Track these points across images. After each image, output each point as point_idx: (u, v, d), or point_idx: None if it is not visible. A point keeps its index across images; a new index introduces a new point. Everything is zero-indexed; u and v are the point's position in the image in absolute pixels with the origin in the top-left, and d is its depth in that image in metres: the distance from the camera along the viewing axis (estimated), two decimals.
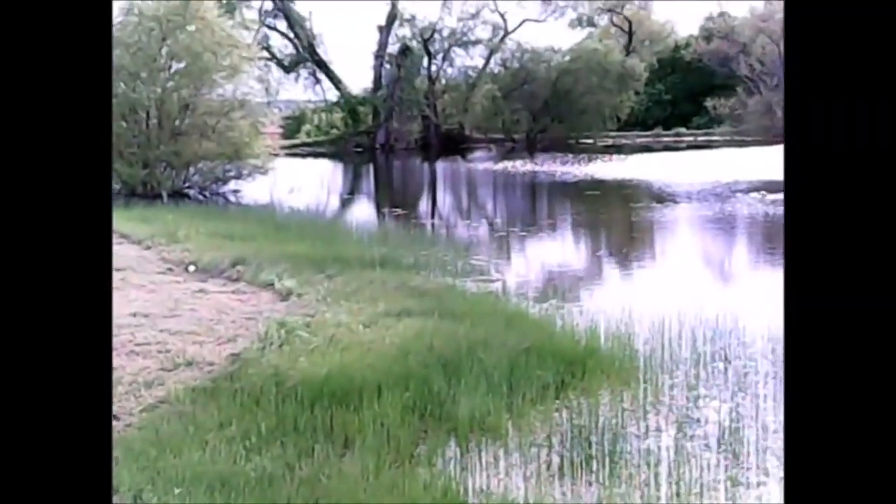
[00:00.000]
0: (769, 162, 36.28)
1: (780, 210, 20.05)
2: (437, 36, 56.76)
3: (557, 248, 16.63)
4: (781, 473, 5.36)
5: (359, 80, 66.17)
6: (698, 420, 6.29)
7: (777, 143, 49.81)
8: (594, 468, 5.51)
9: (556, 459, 5.64)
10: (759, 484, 5.27)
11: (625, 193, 26.48)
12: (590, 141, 56.11)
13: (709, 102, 64.42)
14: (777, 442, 5.83)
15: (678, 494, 5.13)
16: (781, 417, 6.26)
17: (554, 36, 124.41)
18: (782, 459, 5.54)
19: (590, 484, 5.31)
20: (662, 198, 24.31)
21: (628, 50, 65.64)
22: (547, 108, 57.35)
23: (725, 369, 7.44)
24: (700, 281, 12.68)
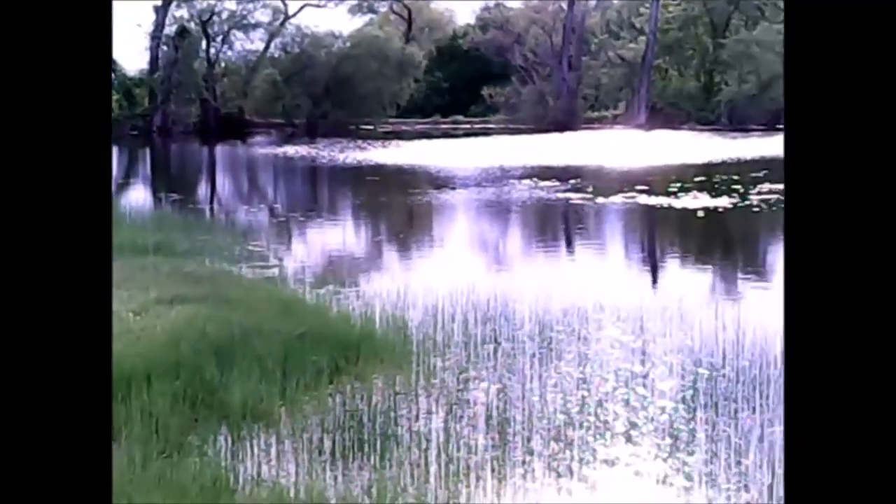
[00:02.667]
0: (542, 149, 37.45)
1: (553, 195, 20.75)
2: (215, 18, 55.66)
3: (337, 234, 16.63)
4: (548, 452, 5.58)
5: (134, 61, 64.05)
6: (468, 402, 6.44)
7: (548, 130, 51.49)
8: (366, 452, 5.56)
9: (328, 444, 5.66)
10: (524, 462, 5.45)
11: (404, 179, 26.74)
12: (370, 127, 56.36)
13: (485, 91, 65.88)
14: (542, 421, 6.05)
15: (447, 475, 5.24)
16: (549, 396, 6.50)
17: (334, 21, 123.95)
18: (548, 438, 5.76)
19: (361, 468, 5.35)
20: (440, 183, 24.71)
21: (408, 37, 66.27)
22: (327, 94, 57.22)
23: (495, 351, 7.65)
24: (474, 265, 12.96)
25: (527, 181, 24.07)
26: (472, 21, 72.74)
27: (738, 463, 5.39)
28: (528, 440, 5.76)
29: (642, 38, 62.40)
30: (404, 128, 58.30)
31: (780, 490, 5.01)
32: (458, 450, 5.58)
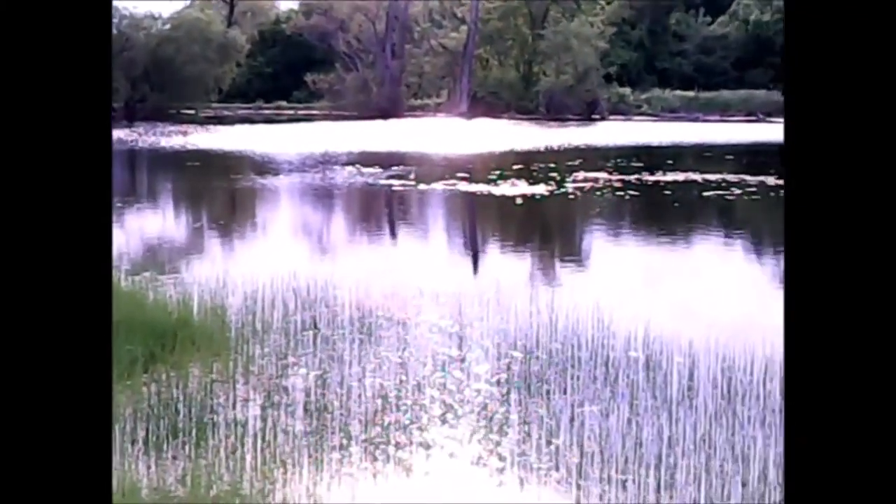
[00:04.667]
0: (365, 136, 37.47)
1: (376, 182, 20.81)
2: None
3: (157, 220, 16.24)
4: (365, 436, 5.62)
5: None
6: (286, 388, 6.42)
7: (372, 117, 51.54)
8: (181, 440, 5.48)
9: (141, 434, 5.54)
10: (341, 447, 5.47)
11: (226, 165, 26.32)
12: (191, 111, 55.18)
13: (308, 77, 65.40)
14: (361, 406, 6.09)
15: (263, 462, 5.22)
16: (367, 381, 6.54)
17: (153, 3, 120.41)
18: (365, 423, 5.81)
19: (175, 457, 5.27)
20: (263, 169, 24.43)
21: (230, 21, 65.13)
22: (147, 77, 55.68)
23: (315, 337, 7.64)
24: (296, 251, 12.89)
25: (350, 168, 24.06)
26: (296, 6, 72.10)
27: (549, 443, 5.56)
28: (346, 425, 5.79)
29: (464, 27, 63.17)
30: (226, 113, 57.34)
31: (591, 470, 5.20)
32: (276, 437, 5.56)
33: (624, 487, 5.00)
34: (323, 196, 19.58)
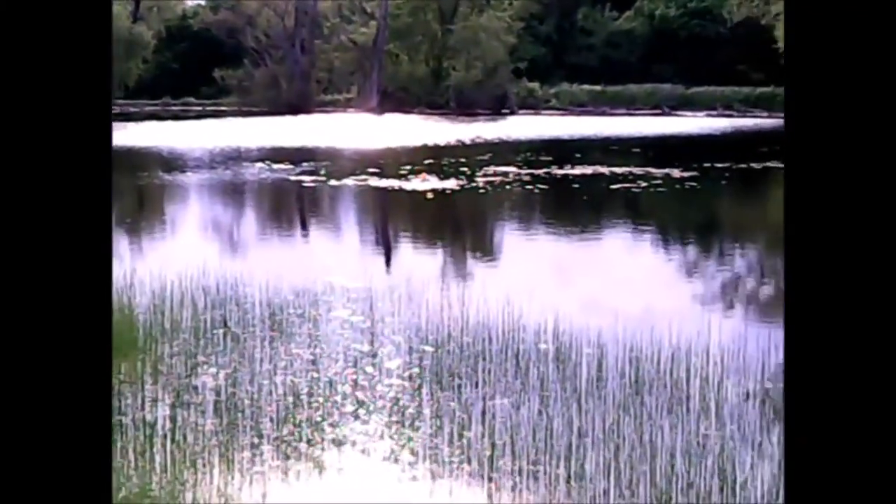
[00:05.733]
0: (275, 132, 37.18)
1: (286, 178, 20.68)
2: None
3: None
4: (276, 434, 5.59)
5: None
6: (196, 388, 6.35)
7: (282, 113, 51.16)
8: None
9: None
10: (252, 446, 5.44)
11: (133, 162, 25.86)
12: None
13: (217, 73, 64.62)
14: (272, 404, 6.05)
15: (173, 462, 5.17)
16: (279, 379, 6.51)
17: None
18: (277, 421, 5.78)
19: None
20: (172, 166, 24.10)
21: (135, 16, 64.01)
22: None
23: (225, 335, 7.58)
24: (206, 248, 12.74)
25: (260, 164, 23.85)
26: (203, 1, 71.14)
27: (461, 436, 5.60)
28: (258, 424, 5.76)
29: (373, 22, 63.03)
30: (132, 110, 56.33)
31: (502, 463, 5.25)
32: (185, 437, 5.51)
33: (535, 479, 5.06)
34: (233, 193, 19.39)
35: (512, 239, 14.14)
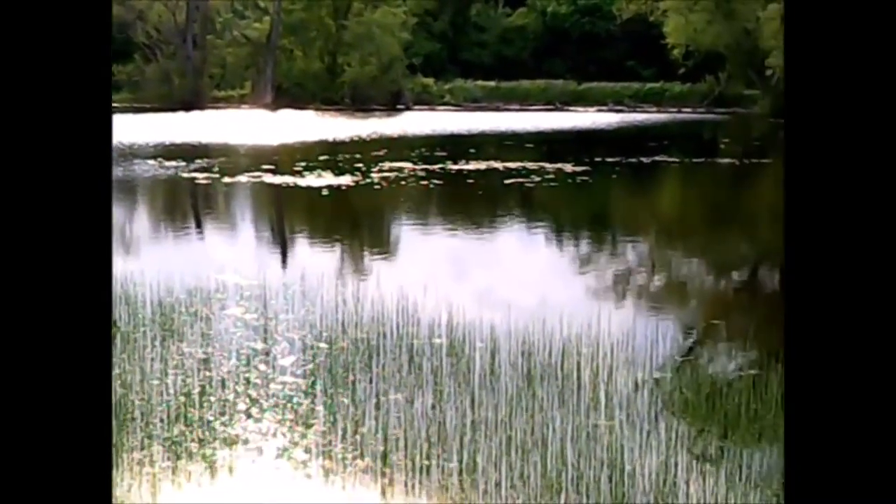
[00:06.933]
0: (167, 128, 36.58)
1: (179, 174, 20.37)
2: None
3: None
4: (167, 434, 5.53)
5: None
6: None
7: (174, 109, 50.34)
8: None
9: None
10: (142, 447, 5.36)
11: None
12: None
13: None
14: (163, 405, 5.98)
15: None
16: (170, 379, 6.43)
17: None
18: (168, 421, 5.71)
19: None
20: None
21: None
22: None
23: (114, 336, 7.44)
24: None
25: (152, 161, 23.45)
26: None
27: (355, 432, 5.61)
28: (148, 424, 5.68)
29: (267, 18, 62.37)
30: None
31: (395, 457, 5.27)
32: None
33: (428, 473, 5.10)
34: (124, 190, 19.00)
35: (408, 234, 14.17)
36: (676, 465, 5.21)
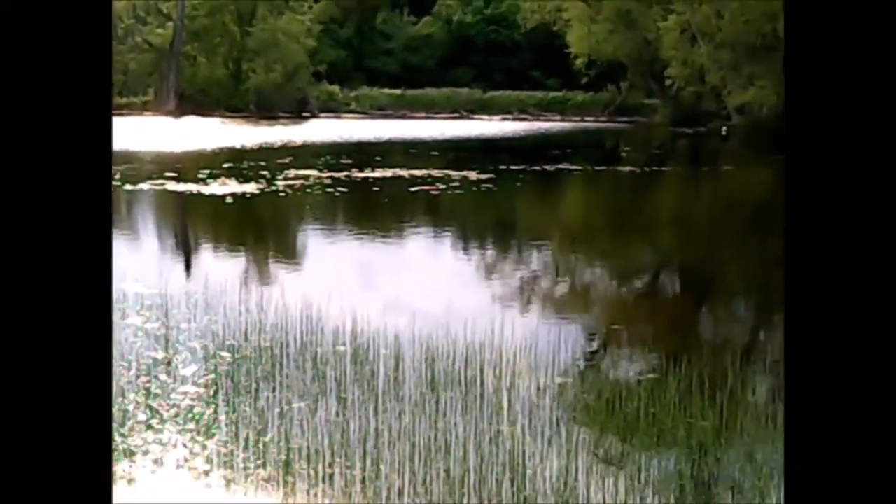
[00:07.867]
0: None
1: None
2: None
3: None
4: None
5: None
6: None
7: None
8: None
9: None
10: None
11: None
12: None
13: None
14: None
15: None
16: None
17: None
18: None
19: None
20: None
21: None
22: None
23: None
24: None
25: None
26: None
27: (257, 442, 5.56)
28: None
29: (170, 24, 61.52)
30: None
31: (297, 467, 5.25)
32: None
33: (330, 481, 5.08)
34: None
35: (313, 242, 14.11)
36: (577, 468, 5.29)
